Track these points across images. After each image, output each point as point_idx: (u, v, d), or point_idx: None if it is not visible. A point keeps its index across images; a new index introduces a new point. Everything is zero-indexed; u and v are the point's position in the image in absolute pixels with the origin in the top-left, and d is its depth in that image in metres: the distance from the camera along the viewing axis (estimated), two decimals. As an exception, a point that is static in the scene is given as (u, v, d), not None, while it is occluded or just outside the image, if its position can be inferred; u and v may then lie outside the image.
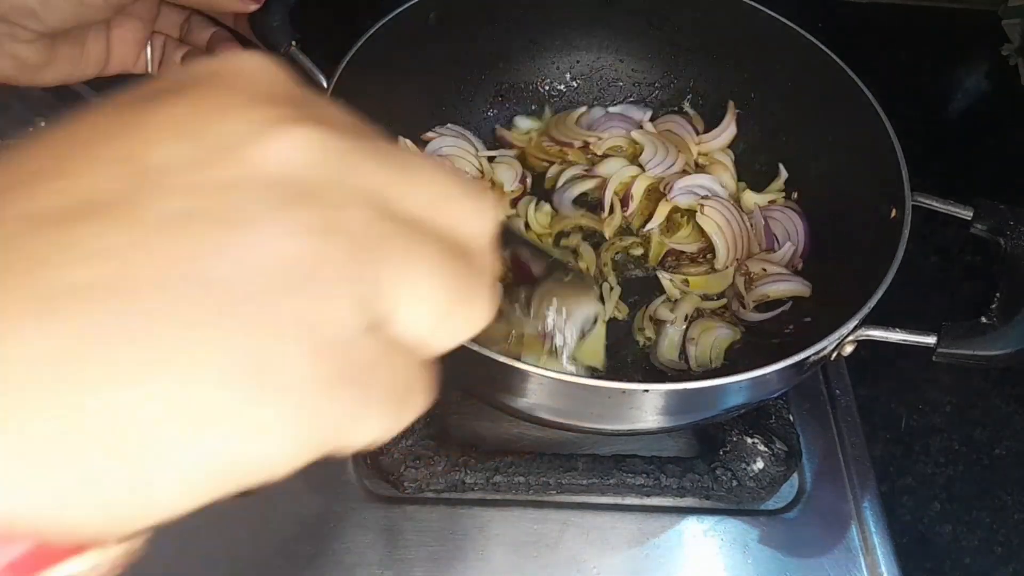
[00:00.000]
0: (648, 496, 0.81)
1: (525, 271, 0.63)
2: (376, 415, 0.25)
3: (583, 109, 1.01)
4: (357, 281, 0.24)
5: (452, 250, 0.26)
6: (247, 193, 0.23)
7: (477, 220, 0.28)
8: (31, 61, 0.66)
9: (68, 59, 0.69)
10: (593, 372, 0.79)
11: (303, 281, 0.23)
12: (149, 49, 0.76)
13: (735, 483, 0.79)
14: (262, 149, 0.24)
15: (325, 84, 0.76)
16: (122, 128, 0.24)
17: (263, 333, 0.22)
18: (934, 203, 0.75)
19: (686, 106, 1.01)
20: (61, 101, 0.87)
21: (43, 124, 0.90)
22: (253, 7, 0.73)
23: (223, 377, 0.22)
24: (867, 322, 0.66)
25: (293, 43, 0.76)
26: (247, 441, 0.22)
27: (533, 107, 1.02)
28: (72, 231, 0.22)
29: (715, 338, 0.85)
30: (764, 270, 0.88)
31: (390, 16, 0.83)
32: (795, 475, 0.84)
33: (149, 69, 0.77)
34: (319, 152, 0.24)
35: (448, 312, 0.26)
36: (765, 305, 0.88)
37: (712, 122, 1.00)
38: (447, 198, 0.27)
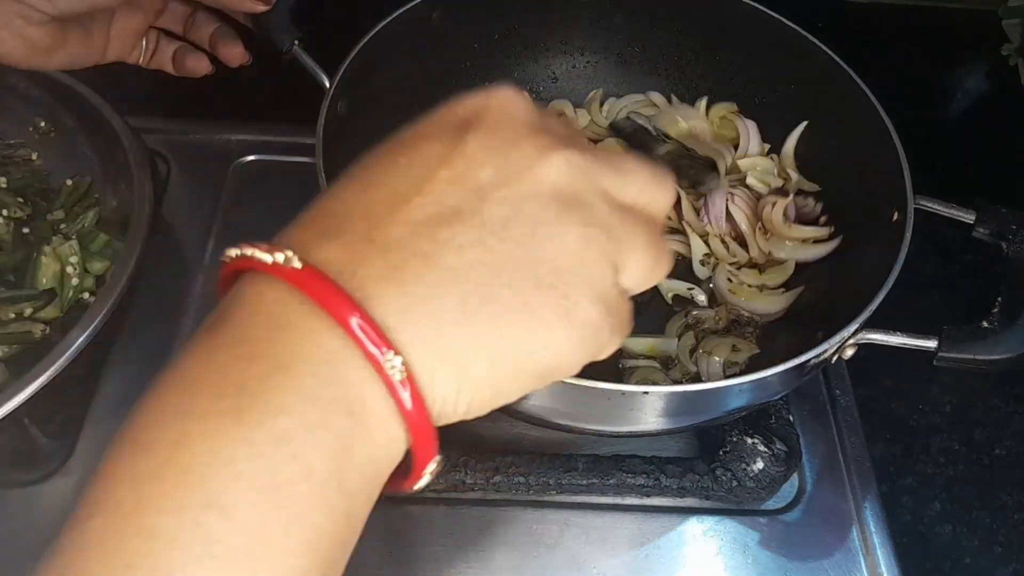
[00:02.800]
0: (648, 496, 0.81)
1: None
2: (619, 336, 0.39)
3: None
4: (610, 254, 0.37)
5: (649, 223, 0.40)
6: (541, 201, 0.36)
7: (662, 199, 0.41)
8: (42, 44, 0.67)
9: (76, 44, 0.70)
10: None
11: (585, 258, 0.36)
12: (144, 42, 0.76)
13: (735, 483, 0.79)
14: (543, 170, 0.37)
15: (328, 84, 0.76)
16: (448, 156, 0.37)
17: (569, 290, 0.36)
18: (936, 206, 0.75)
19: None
20: (61, 102, 0.87)
21: (43, 124, 0.90)
22: (263, 8, 0.73)
23: (550, 318, 0.35)
24: (868, 325, 0.66)
25: (296, 42, 0.76)
26: (562, 353, 0.36)
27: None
28: (443, 231, 0.35)
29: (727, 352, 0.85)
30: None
31: (393, 16, 0.82)
32: (795, 475, 0.84)
33: (141, 61, 0.77)
34: (574, 169, 0.37)
35: (650, 270, 0.40)
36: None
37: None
38: (645, 187, 0.40)
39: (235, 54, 0.77)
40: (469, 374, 0.34)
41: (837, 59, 0.85)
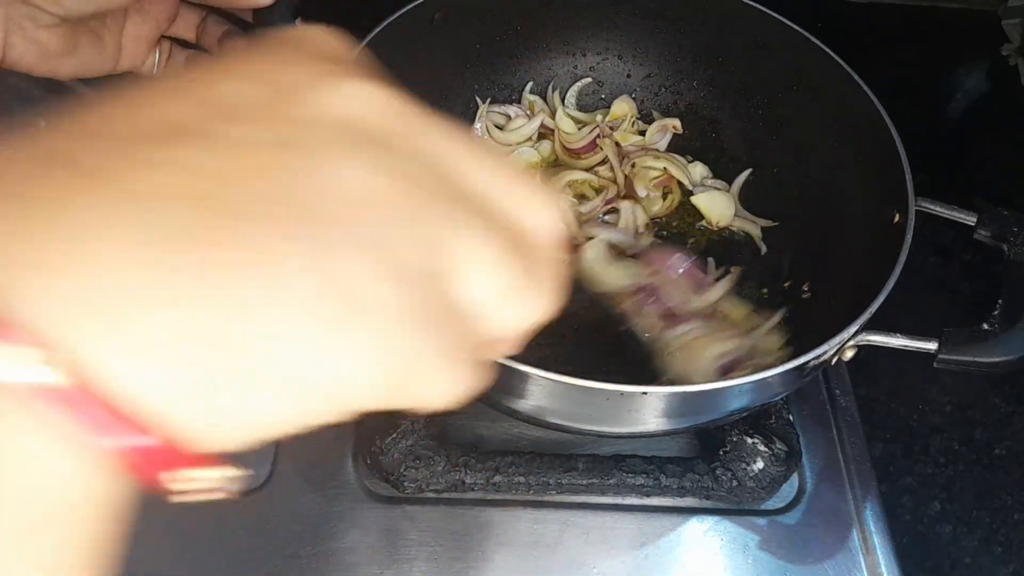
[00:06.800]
0: (648, 496, 0.81)
1: None
2: (443, 370, 0.26)
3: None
4: (426, 225, 0.25)
5: (514, 237, 0.27)
6: (318, 129, 0.25)
7: (541, 213, 0.28)
8: (52, 49, 0.67)
9: (88, 49, 0.70)
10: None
11: (379, 212, 0.24)
12: (158, 51, 0.76)
13: (735, 483, 0.79)
14: (328, 93, 0.25)
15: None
16: (203, 76, 0.26)
17: (350, 255, 0.23)
18: (938, 208, 0.75)
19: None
20: (61, 102, 0.87)
21: (43, 124, 0.90)
22: (266, 2, 0.73)
23: (316, 293, 0.23)
24: (868, 327, 0.66)
25: (296, 43, 0.76)
26: (338, 359, 0.23)
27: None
28: (163, 149, 0.23)
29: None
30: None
31: (394, 16, 0.82)
32: (795, 475, 0.84)
33: (154, 72, 0.77)
34: (384, 105, 0.26)
35: (510, 295, 0.27)
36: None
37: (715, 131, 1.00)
38: (511, 185, 0.28)
39: None
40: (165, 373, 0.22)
41: (837, 59, 0.85)
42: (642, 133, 1.00)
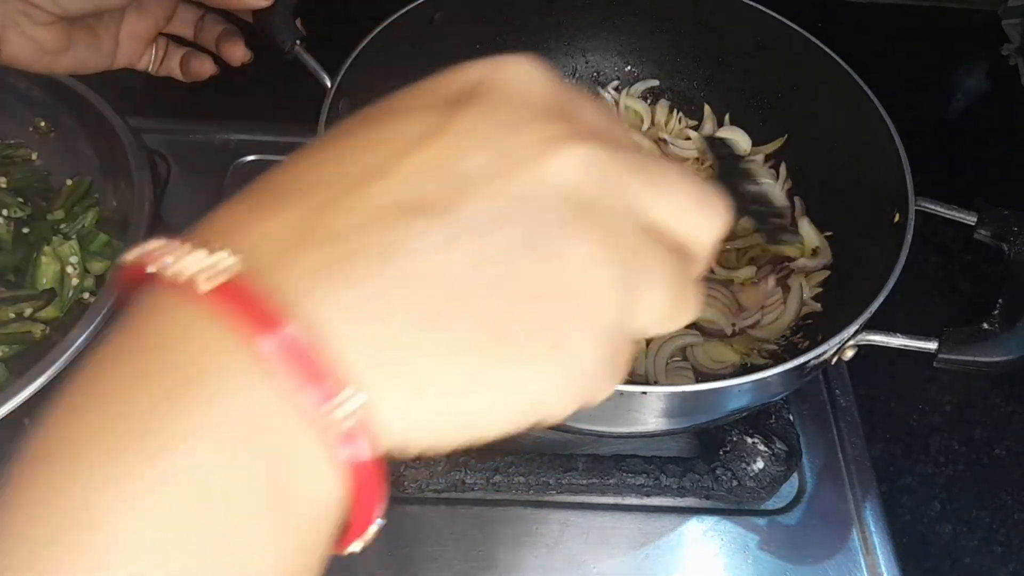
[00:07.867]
0: (648, 496, 0.81)
1: None
2: (614, 385, 0.31)
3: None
4: (625, 288, 0.29)
5: (682, 257, 0.31)
6: (541, 204, 0.28)
7: (707, 232, 0.32)
8: (49, 46, 0.67)
9: (84, 47, 0.70)
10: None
11: (593, 285, 0.28)
12: (154, 49, 0.76)
13: (735, 483, 0.79)
14: (549, 164, 0.28)
15: (328, 84, 0.76)
16: (430, 134, 0.29)
17: (567, 324, 0.28)
18: (938, 208, 0.75)
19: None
20: (61, 102, 0.87)
21: (43, 124, 0.90)
22: (265, 3, 0.73)
23: (538, 356, 0.28)
24: (868, 327, 0.66)
25: (298, 42, 0.76)
26: (547, 401, 0.28)
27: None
28: (404, 226, 0.27)
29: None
30: None
31: (395, 16, 0.82)
32: (795, 475, 0.84)
33: (151, 69, 0.77)
34: (593, 169, 0.29)
35: (667, 317, 0.31)
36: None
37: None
38: (687, 210, 0.31)
39: (237, 53, 0.77)
40: (429, 410, 0.27)
41: (837, 59, 0.85)
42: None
